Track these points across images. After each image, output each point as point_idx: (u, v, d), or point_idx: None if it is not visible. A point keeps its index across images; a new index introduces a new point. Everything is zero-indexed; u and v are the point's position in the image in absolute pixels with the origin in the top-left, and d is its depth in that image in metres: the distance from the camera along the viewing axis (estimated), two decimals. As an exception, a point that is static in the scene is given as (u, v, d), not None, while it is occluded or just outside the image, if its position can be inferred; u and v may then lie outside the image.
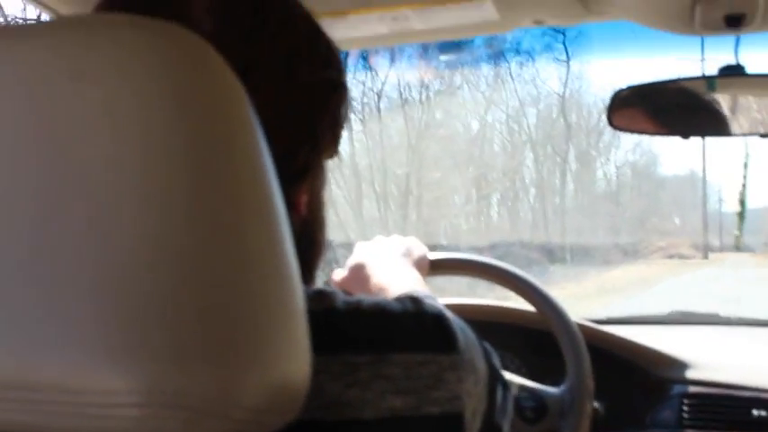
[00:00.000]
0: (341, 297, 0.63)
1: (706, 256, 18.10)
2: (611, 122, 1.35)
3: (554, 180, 17.40)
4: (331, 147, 0.72)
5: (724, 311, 2.15)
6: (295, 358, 0.43)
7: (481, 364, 0.70)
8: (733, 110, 1.42)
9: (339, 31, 1.30)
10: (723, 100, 1.40)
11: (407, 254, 1.14)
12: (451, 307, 0.70)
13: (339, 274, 1.13)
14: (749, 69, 1.30)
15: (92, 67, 0.41)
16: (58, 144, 0.40)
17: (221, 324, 0.39)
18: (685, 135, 1.40)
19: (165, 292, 0.39)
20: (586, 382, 1.24)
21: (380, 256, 1.11)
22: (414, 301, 0.67)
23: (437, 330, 0.65)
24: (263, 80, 0.62)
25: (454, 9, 1.18)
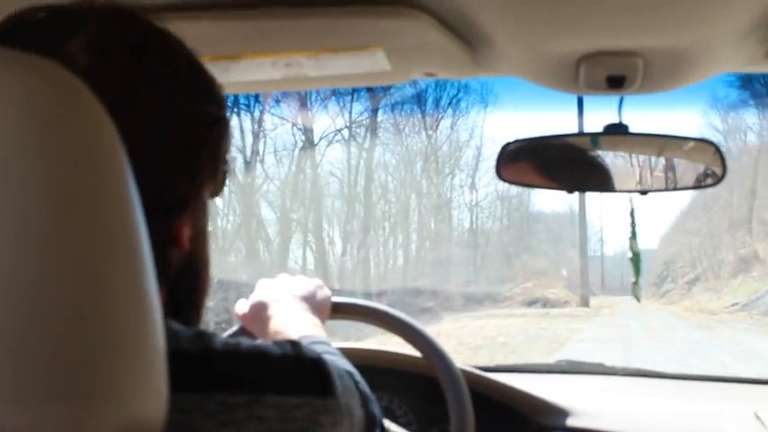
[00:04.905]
0: (220, 338, 0.64)
1: (586, 303, 17.44)
2: (499, 175, 1.39)
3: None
4: (212, 182, 0.73)
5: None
6: (149, 396, 0.42)
7: (358, 410, 0.71)
8: (616, 167, 1.47)
9: (233, 74, 1.28)
10: (607, 157, 1.45)
11: (311, 295, 1.13)
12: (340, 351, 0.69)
13: (241, 307, 1.13)
14: (632, 129, 1.36)
15: None
16: None
17: (71, 360, 0.38)
18: (570, 190, 1.44)
19: (11, 326, 0.37)
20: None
21: (282, 297, 1.10)
22: (293, 345, 0.68)
23: (314, 374, 0.66)
24: (139, 113, 0.63)
25: (347, 58, 1.19)
